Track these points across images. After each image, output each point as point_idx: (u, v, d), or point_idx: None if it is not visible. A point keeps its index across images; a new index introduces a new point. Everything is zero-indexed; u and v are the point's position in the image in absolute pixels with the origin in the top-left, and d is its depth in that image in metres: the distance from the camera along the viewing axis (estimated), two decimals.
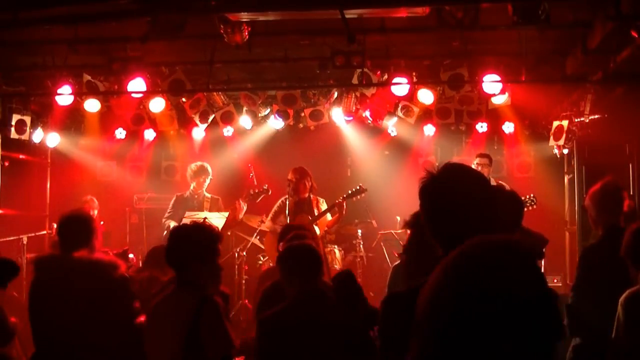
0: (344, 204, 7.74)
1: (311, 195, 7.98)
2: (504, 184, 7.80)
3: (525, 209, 7.38)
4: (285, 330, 3.44)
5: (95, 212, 8.15)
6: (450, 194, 2.00)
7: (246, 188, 8.60)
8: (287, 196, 7.95)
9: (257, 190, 8.14)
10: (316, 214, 7.84)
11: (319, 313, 3.49)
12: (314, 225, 7.55)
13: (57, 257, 4.06)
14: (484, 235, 1.48)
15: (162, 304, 3.46)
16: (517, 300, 1.31)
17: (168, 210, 8.20)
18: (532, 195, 7.56)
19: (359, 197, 7.94)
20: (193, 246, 3.43)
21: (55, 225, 4.46)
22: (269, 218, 8.09)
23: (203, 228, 3.61)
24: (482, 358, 1.31)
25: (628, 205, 4.22)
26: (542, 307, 1.34)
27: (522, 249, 1.40)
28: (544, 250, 4.15)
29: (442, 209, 2.00)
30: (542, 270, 7.58)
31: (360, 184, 7.97)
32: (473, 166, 7.69)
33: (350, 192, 7.90)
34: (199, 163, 8.40)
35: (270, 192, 8.16)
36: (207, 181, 8.30)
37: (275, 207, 8.07)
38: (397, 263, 5.30)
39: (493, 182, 7.75)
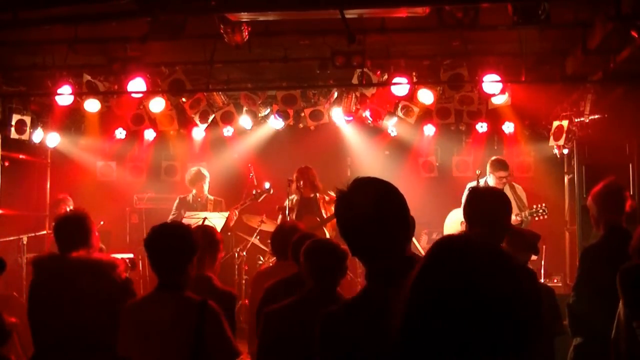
0: None
1: (317, 195, 7.96)
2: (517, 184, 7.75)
3: (537, 219, 7.29)
4: (288, 327, 3.38)
5: (70, 208, 8.05)
6: (352, 212, 2.06)
7: (246, 188, 8.60)
8: (293, 196, 7.89)
9: (259, 190, 8.14)
10: (323, 213, 7.81)
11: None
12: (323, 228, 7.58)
13: (57, 257, 4.05)
14: (463, 235, 1.49)
15: (145, 308, 3.32)
16: (495, 296, 1.32)
17: (172, 212, 8.25)
18: (543, 205, 7.42)
19: None
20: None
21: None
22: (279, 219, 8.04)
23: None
24: (464, 356, 1.32)
25: (630, 206, 4.21)
26: (522, 305, 1.35)
27: (497, 248, 1.42)
28: (538, 246, 4.15)
29: (349, 225, 2.07)
30: (542, 269, 7.61)
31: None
32: (492, 182, 7.43)
33: None
34: (194, 169, 8.47)
35: (272, 192, 8.17)
36: (207, 184, 8.39)
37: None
38: None
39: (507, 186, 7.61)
